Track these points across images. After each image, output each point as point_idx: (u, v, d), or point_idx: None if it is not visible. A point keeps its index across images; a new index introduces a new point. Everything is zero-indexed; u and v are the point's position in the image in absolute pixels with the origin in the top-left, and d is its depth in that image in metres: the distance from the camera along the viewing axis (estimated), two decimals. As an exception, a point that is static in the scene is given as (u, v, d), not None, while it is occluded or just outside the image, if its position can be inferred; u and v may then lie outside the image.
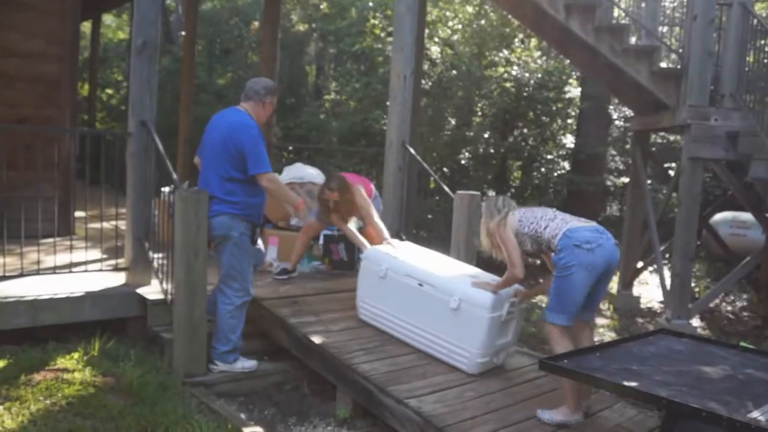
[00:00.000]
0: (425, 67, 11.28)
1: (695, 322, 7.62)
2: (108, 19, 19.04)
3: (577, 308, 3.83)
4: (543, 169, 12.22)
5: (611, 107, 12.63)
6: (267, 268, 6.10)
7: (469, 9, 13.89)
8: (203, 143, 4.73)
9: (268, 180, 4.54)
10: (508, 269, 4.12)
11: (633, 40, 7.75)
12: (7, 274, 5.00)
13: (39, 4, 6.80)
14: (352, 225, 5.89)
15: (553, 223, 3.94)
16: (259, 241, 5.37)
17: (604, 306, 8.67)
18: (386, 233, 5.52)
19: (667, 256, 8.77)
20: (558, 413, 3.85)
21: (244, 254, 4.63)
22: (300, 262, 6.21)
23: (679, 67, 7.45)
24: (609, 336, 7.18)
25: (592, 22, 7.19)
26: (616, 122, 13.22)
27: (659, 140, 12.58)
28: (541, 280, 4.64)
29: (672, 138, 12.17)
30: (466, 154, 11.68)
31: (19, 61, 6.72)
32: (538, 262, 4.50)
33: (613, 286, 9.68)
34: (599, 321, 7.89)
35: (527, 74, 11.67)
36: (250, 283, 4.71)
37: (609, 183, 13.05)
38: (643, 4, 8.33)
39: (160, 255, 5.08)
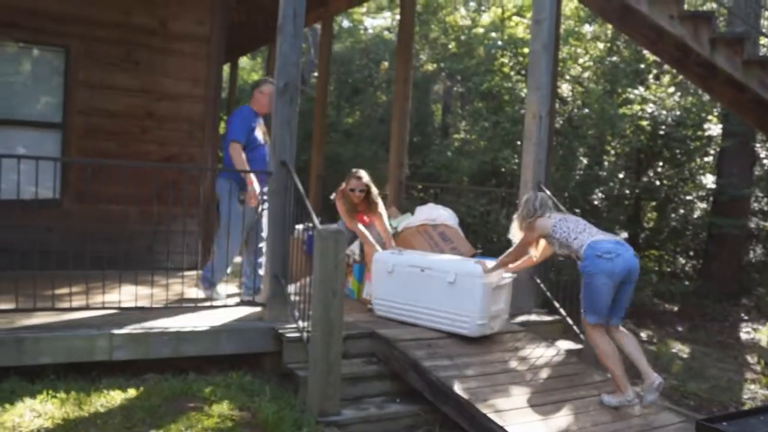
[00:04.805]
0: (556, 105, 11.05)
1: None
2: (243, 61, 20.09)
3: (605, 308, 4.45)
4: (681, 211, 11.60)
5: (757, 144, 11.85)
6: (365, 303, 6.07)
7: (600, 45, 13.55)
8: None
9: (230, 146, 5.67)
10: (508, 254, 5.03)
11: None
12: (153, 305, 5.22)
13: (187, 50, 7.25)
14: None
15: (582, 235, 4.59)
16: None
17: (753, 359, 8.04)
18: (392, 242, 6.08)
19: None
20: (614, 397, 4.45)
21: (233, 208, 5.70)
22: None
23: (840, 101, 6.88)
24: (762, 393, 6.61)
25: (740, 55, 6.74)
26: (764, 160, 12.38)
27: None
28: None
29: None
30: (599, 194, 11.29)
31: (169, 103, 7.18)
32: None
33: (763, 337, 8.98)
34: (748, 375, 7.31)
35: (664, 112, 11.17)
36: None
37: (752, 225, 12.19)
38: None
39: (296, 291, 5.16)
